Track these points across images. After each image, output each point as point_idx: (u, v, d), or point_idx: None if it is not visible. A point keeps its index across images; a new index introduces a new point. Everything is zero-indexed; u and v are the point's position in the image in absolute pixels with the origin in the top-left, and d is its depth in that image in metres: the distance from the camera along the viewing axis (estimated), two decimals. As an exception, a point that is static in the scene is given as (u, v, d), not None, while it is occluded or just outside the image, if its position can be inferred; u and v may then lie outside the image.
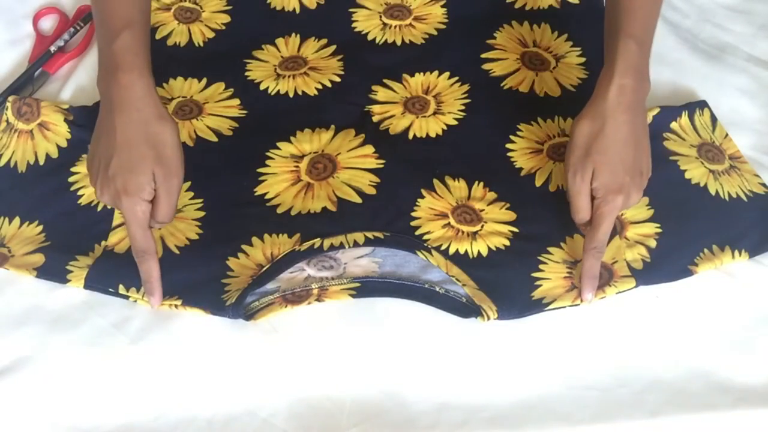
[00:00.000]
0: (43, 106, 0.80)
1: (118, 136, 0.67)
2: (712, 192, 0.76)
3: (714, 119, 0.82)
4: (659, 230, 0.73)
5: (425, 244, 0.72)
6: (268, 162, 0.78)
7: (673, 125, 0.81)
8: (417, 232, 0.73)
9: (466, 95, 0.84)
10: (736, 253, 0.73)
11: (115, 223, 0.74)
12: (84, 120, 0.80)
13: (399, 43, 0.89)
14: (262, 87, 0.85)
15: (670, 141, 0.80)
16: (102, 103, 0.70)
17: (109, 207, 0.74)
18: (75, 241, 0.73)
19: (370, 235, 0.72)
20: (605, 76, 0.70)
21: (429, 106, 0.83)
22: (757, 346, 0.69)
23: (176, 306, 0.69)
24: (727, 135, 0.82)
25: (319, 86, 0.85)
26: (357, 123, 0.81)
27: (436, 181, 0.76)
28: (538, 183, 0.77)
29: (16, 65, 0.88)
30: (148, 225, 0.68)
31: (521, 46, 0.89)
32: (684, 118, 0.81)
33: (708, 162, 0.78)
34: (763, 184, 0.78)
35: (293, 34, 0.90)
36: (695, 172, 0.77)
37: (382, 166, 0.77)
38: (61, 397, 0.65)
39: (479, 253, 0.72)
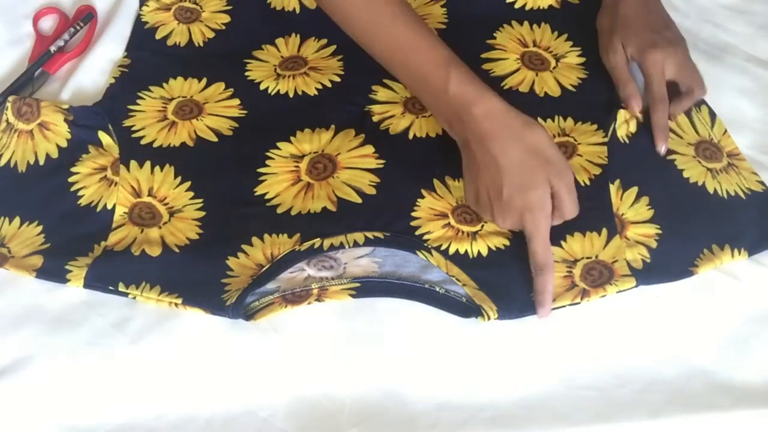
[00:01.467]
0: (43, 106, 0.80)
1: (501, 162, 0.68)
2: (711, 190, 0.76)
3: (713, 115, 0.82)
4: (659, 231, 0.73)
5: (425, 244, 0.72)
6: (268, 162, 0.78)
7: (671, 123, 0.81)
8: (417, 232, 0.73)
9: (466, 95, 0.84)
10: (736, 252, 0.73)
11: (115, 223, 0.74)
12: (84, 120, 0.80)
13: (399, 43, 0.89)
14: (262, 87, 0.85)
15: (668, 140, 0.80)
16: (465, 142, 0.72)
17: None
18: (75, 241, 0.73)
19: (370, 235, 0.72)
20: None
21: (429, 106, 0.83)
22: (758, 346, 0.69)
23: (176, 305, 0.69)
24: (726, 131, 0.82)
25: (319, 86, 0.85)
26: (357, 123, 0.81)
27: (436, 181, 0.76)
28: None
29: (16, 65, 0.88)
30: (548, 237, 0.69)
31: (521, 46, 0.89)
32: (681, 115, 0.81)
33: (705, 160, 0.78)
34: (761, 182, 0.78)
35: (293, 34, 0.90)
36: (693, 171, 0.77)
37: (382, 166, 0.77)
38: (61, 397, 0.65)
39: (479, 253, 0.72)
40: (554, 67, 0.87)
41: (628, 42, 0.80)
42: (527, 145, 0.69)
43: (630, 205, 0.75)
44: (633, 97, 0.80)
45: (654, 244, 0.73)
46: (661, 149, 0.77)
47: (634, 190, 0.76)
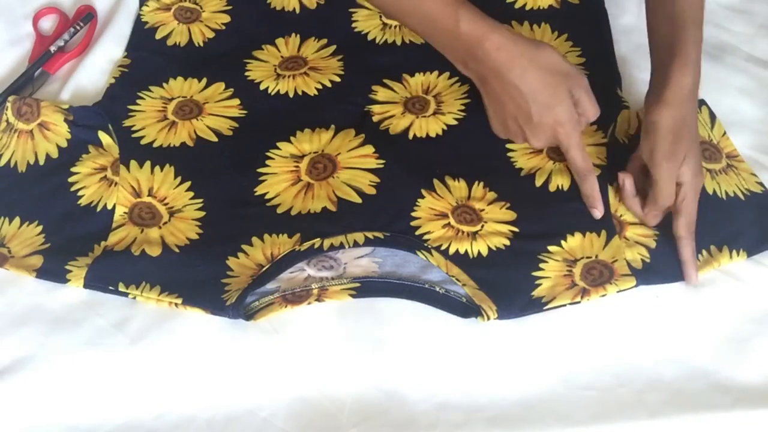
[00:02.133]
0: (43, 106, 0.80)
1: (523, 88, 0.72)
2: (710, 191, 0.76)
3: (713, 116, 0.82)
4: (657, 231, 0.74)
5: (425, 244, 0.72)
6: (268, 162, 0.78)
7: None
8: (417, 232, 0.73)
9: (466, 95, 0.84)
10: (734, 253, 0.73)
11: (115, 223, 0.74)
12: (84, 120, 0.80)
13: (399, 43, 0.89)
14: (262, 87, 0.85)
15: (669, 141, 0.80)
16: (482, 78, 0.75)
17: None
18: (75, 241, 0.73)
19: (370, 235, 0.72)
20: (678, 63, 0.72)
21: (429, 106, 0.83)
22: (758, 346, 0.69)
23: (176, 305, 0.69)
24: (725, 133, 0.82)
25: (319, 86, 0.85)
26: (357, 123, 0.81)
27: (436, 181, 0.77)
28: (538, 183, 0.77)
29: (16, 65, 0.88)
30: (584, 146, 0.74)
31: (521, 46, 0.89)
32: (682, 117, 0.81)
33: (705, 161, 0.78)
34: (761, 183, 0.78)
35: (293, 34, 0.90)
36: (693, 171, 0.77)
37: (382, 166, 0.77)
38: (61, 397, 0.65)
39: (479, 252, 0.72)
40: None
41: (689, 159, 0.72)
42: (542, 65, 0.72)
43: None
44: (656, 218, 0.74)
45: (653, 244, 0.73)
46: (695, 281, 0.71)
47: (632, 191, 0.76)
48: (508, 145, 0.80)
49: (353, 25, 0.91)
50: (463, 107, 0.83)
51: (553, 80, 0.72)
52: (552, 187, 0.77)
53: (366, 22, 0.91)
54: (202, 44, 0.89)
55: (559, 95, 0.72)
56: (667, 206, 0.73)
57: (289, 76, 0.86)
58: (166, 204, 0.75)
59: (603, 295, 0.70)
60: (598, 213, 0.74)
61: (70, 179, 0.77)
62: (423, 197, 0.75)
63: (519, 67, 0.71)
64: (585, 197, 0.74)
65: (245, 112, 0.83)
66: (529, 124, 0.73)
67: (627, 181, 0.74)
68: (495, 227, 0.74)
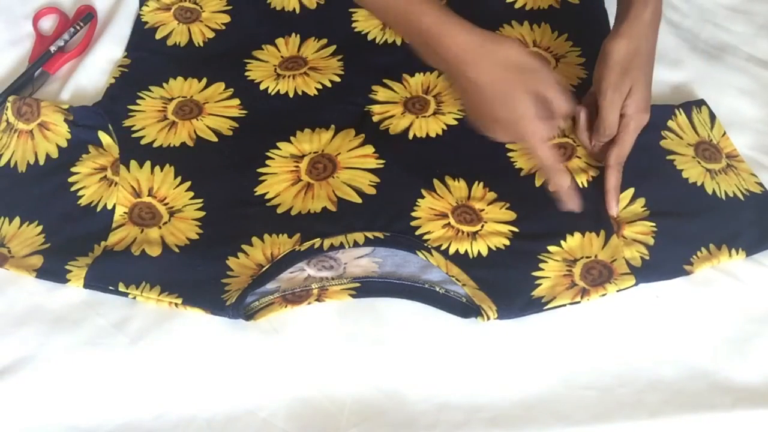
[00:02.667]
0: (43, 106, 0.80)
1: (480, 83, 0.70)
2: (709, 191, 0.76)
3: (713, 116, 0.82)
4: (654, 228, 0.73)
5: (425, 244, 0.72)
6: (268, 162, 0.78)
7: (670, 123, 0.81)
8: (417, 232, 0.73)
9: (466, 95, 0.84)
10: (734, 252, 0.73)
11: (115, 223, 0.74)
12: (84, 120, 0.80)
13: (399, 43, 0.89)
14: (262, 87, 0.85)
15: (667, 140, 0.80)
16: (448, 73, 0.75)
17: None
18: (75, 241, 0.73)
19: (370, 235, 0.72)
20: None
21: (429, 106, 0.83)
22: (758, 346, 0.69)
23: (176, 305, 0.69)
24: (724, 133, 0.82)
25: (319, 86, 0.85)
26: (357, 123, 0.81)
27: (436, 181, 0.77)
28: (538, 183, 0.77)
29: (16, 65, 0.88)
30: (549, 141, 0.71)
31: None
32: (681, 116, 0.82)
33: (705, 161, 0.78)
34: (760, 183, 0.78)
35: (293, 34, 0.90)
36: (692, 171, 0.77)
37: (382, 166, 0.77)
38: (61, 397, 0.65)
39: (479, 253, 0.72)
40: (554, 67, 0.87)
41: (634, 92, 0.73)
42: (500, 60, 0.70)
43: (624, 207, 0.75)
44: (603, 144, 0.76)
45: (651, 242, 0.73)
46: (615, 211, 0.74)
47: (629, 192, 0.76)
48: (508, 145, 0.80)
49: (353, 25, 0.91)
50: (463, 107, 0.83)
51: (510, 75, 0.69)
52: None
53: (366, 22, 0.91)
54: (202, 44, 0.89)
55: (515, 91, 0.69)
56: (612, 135, 0.74)
57: (289, 76, 0.86)
58: (166, 204, 0.75)
59: (603, 295, 0.70)
60: (572, 207, 0.72)
61: (70, 179, 0.77)
62: (423, 197, 0.75)
63: (476, 63, 0.70)
64: (555, 194, 0.72)
65: (245, 112, 0.83)
66: (490, 120, 0.72)
67: (582, 113, 0.75)
68: (495, 227, 0.74)
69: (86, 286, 0.70)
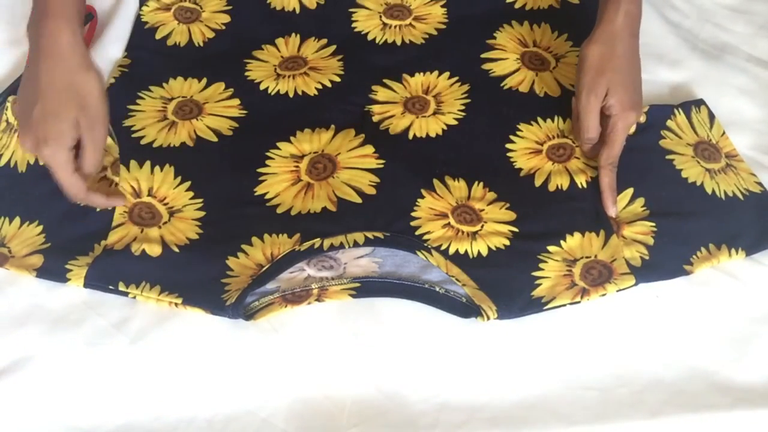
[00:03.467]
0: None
1: (42, 83, 0.67)
2: (708, 191, 0.76)
3: (712, 116, 0.83)
4: (654, 229, 0.74)
5: (425, 244, 0.72)
6: (268, 162, 0.78)
7: (670, 123, 0.81)
8: (417, 232, 0.73)
9: (466, 95, 0.84)
10: (733, 251, 0.73)
11: (115, 222, 0.74)
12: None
13: (399, 43, 0.89)
14: (262, 87, 0.85)
15: (666, 140, 0.80)
16: (30, 49, 0.71)
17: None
18: (75, 241, 0.73)
19: (370, 235, 0.72)
20: (611, 3, 0.75)
21: (429, 106, 0.83)
22: (758, 346, 0.69)
23: (176, 305, 0.69)
24: (724, 133, 0.82)
25: (319, 86, 0.85)
26: (357, 123, 0.81)
27: (436, 181, 0.77)
28: (538, 183, 0.77)
29: (16, 65, 0.88)
30: (74, 169, 0.68)
31: (521, 46, 0.89)
32: (680, 116, 0.82)
33: (704, 161, 0.78)
34: (759, 183, 0.78)
35: (293, 34, 0.90)
36: (691, 171, 0.77)
37: (382, 166, 0.77)
38: (61, 397, 0.65)
39: (479, 253, 0.72)
40: (554, 67, 0.87)
41: (614, 93, 0.73)
42: (73, 82, 0.68)
43: (624, 207, 0.75)
44: (590, 146, 0.77)
45: (651, 242, 0.73)
46: (613, 211, 0.74)
47: (629, 192, 0.76)
48: (508, 145, 0.80)
49: (353, 25, 0.91)
50: (463, 107, 0.83)
51: (69, 100, 0.67)
52: (551, 187, 0.77)
53: (366, 22, 0.91)
54: (202, 44, 0.89)
55: (64, 114, 0.67)
56: (592, 138, 0.75)
57: (289, 76, 0.86)
58: (166, 204, 0.75)
59: (603, 295, 0.70)
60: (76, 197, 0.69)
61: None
62: (423, 197, 0.75)
63: (54, 63, 0.68)
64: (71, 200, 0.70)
65: (245, 112, 0.83)
66: (27, 119, 0.68)
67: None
68: (495, 227, 0.74)
69: (86, 285, 0.70)
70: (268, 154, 0.79)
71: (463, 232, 0.73)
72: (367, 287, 0.72)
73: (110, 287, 0.70)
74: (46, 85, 0.67)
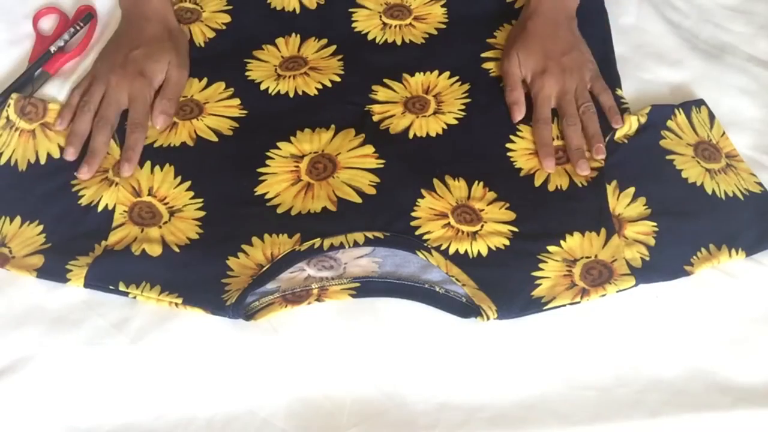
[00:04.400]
0: (50, 109, 0.80)
1: (146, 34, 0.84)
2: (709, 191, 0.76)
3: (712, 116, 0.82)
4: (656, 229, 0.73)
5: (425, 244, 0.72)
6: (268, 162, 0.78)
7: (670, 123, 0.81)
8: (417, 232, 0.73)
9: (466, 95, 0.84)
10: (733, 251, 0.73)
11: (115, 223, 0.74)
12: (84, 120, 0.80)
13: (399, 42, 0.89)
14: (262, 87, 0.85)
15: (666, 140, 0.79)
16: (127, 17, 0.88)
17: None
18: (75, 241, 0.73)
19: (370, 235, 0.72)
20: None
21: (429, 105, 0.83)
22: (757, 346, 0.69)
23: (176, 304, 0.69)
24: (724, 133, 0.82)
25: (320, 86, 0.85)
26: (357, 123, 0.81)
27: (436, 181, 0.77)
28: (538, 183, 0.77)
29: (16, 65, 0.88)
30: (150, 104, 0.81)
31: (521, 46, 0.89)
32: (681, 116, 0.81)
33: (704, 161, 0.78)
34: (760, 183, 0.78)
35: (293, 34, 0.90)
36: (692, 171, 0.77)
37: (382, 166, 0.77)
38: (61, 397, 0.65)
39: (479, 252, 0.72)
40: (554, 67, 0.87)
41: (525, 61, 0.82)
42: (172, 37, 0.86)
43: (626, 206, 0.75)
44: (516, 104, 0.81)
45: (652, 242, 0.73)
46: (549, 165, 0.77)
47: (630, 191, 0.76)
48: (508, 145, 0.80)
49: (353, 25, 0.91)
50: (463, 107, 0.83)
51: (169, 48, 0.84)
52: (551, 187, 0.77)
53: (366, 22, 0.91)
54: (202, 44, 0.89)
55: (163, 58, 0.83)
56: (517, 99, 0.81)
57: (289, 76, 0.86)
58: (166, 204, 0.76)
59: (603, 295, 0.70)
60: (126, 169, 0.77)
61: (71, 180, 0.76)
62: (423, 197, 0.75)
63: (156, 23, 0.86)
64: (126, 148, 0.78)
65: (245, 112, 0.83)
66: (125, 58, 0.82)
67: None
68: (495, 227, 0.74)
69: (86, 285, 0.70)
70: (268, 154, 0.79)
71: (463, 232, 0.73)
72: (367, 287, 0.72)
73: (110, 287, 0.70)
74: (151, 36, 0.84)
